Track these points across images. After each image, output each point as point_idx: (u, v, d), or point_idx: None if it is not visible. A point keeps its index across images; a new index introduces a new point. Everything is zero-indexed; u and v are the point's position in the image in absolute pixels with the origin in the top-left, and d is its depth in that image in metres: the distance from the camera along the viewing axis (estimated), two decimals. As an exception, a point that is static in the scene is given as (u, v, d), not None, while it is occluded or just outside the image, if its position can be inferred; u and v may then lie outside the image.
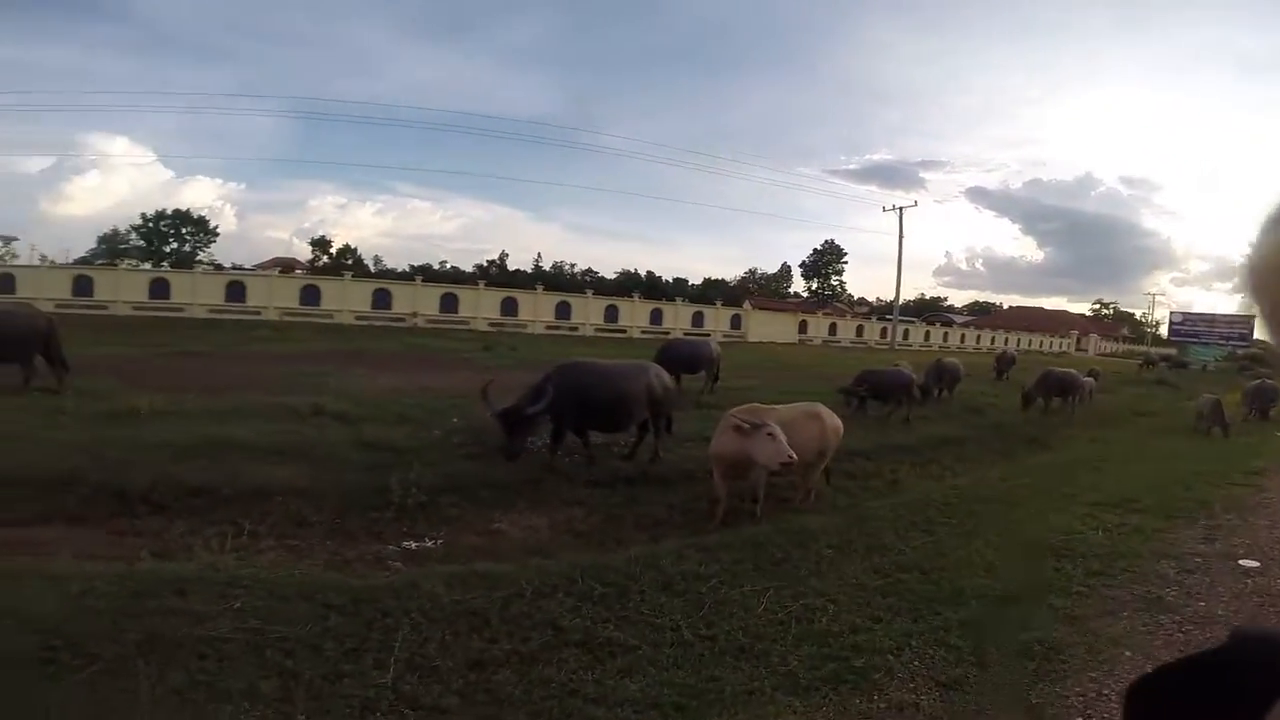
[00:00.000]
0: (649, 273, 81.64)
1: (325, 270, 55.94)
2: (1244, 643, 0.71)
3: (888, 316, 72.13)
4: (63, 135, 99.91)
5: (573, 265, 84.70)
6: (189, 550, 5.00)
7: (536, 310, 34.10)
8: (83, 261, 43.27)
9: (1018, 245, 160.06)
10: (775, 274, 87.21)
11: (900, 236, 41.86)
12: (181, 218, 59.03)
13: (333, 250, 70.80)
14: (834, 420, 6.98)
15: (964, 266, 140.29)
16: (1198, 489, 8.23)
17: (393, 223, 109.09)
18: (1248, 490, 8.21)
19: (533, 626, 3.81)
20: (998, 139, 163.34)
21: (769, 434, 5.57)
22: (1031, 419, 14.89)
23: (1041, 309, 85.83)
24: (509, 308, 34.10)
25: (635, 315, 36.20)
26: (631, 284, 71.09)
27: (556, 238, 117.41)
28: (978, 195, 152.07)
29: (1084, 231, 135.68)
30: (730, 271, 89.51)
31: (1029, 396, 15.24)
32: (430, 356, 20.08)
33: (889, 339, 43.17)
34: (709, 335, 37.15)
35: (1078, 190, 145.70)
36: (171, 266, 40.30)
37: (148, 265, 44.91)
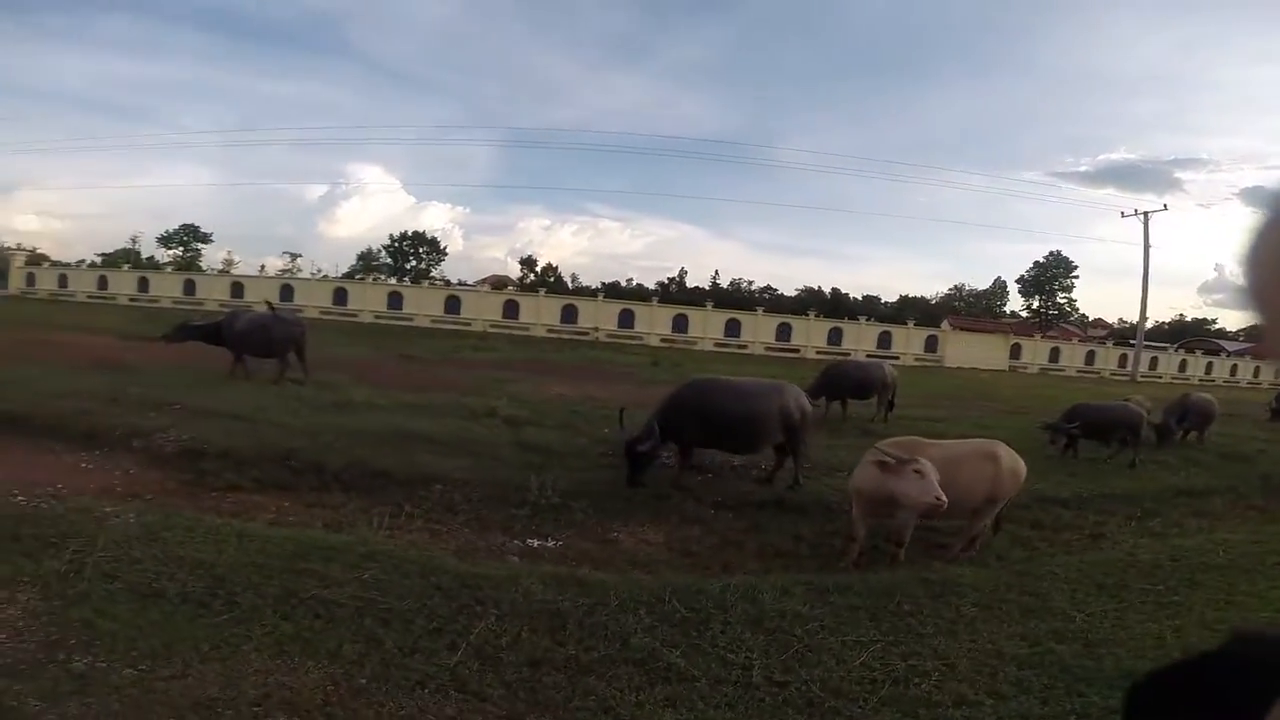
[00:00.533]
0: (834, 290, 78.56)
1: (531, 287, 62.44)
2: (1244, 643, 0.71)
3: (1131, 341, 61.21)
4: (333, 165, 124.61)
5: (750, 282, 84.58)
6: (353, 524, 5.68)
7: (705, 327, 34.40)
8: (347, 276, 52.81)
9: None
10: (987, 290, 78.40)
11: (1146, 246, 35.09)
12: (418, 239, 68.95)
13: (538, 269, 78.72)
14: (1014, 462, 5.91)
15: (1241, 281, 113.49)
16: None
17: (588, 242, 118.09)
18: None
19: (603, 637, 3.79)
20: (1276, 130, 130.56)
21: (916, 470, 4.98)
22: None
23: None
24: (680, 324, 34.83)
25: (811, 334, 34.85)
26: (812, 301, 68.83)
27: (737, 255, 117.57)
28: (1256, 196, 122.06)
29: None
30: (933, 289, 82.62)
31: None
32: (603, 368, 21.35)
33: (1129, 368, 36.19)
34: (897, 357, 34.45)
35: None
36: (411, 282, 47.51)
37: (393, 280, 53.62)
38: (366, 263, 67.97)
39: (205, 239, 63.28)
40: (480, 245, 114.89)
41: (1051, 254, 64.23)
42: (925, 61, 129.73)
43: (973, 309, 76.17)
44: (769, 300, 69.99)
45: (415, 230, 69.74)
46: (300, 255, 68.73)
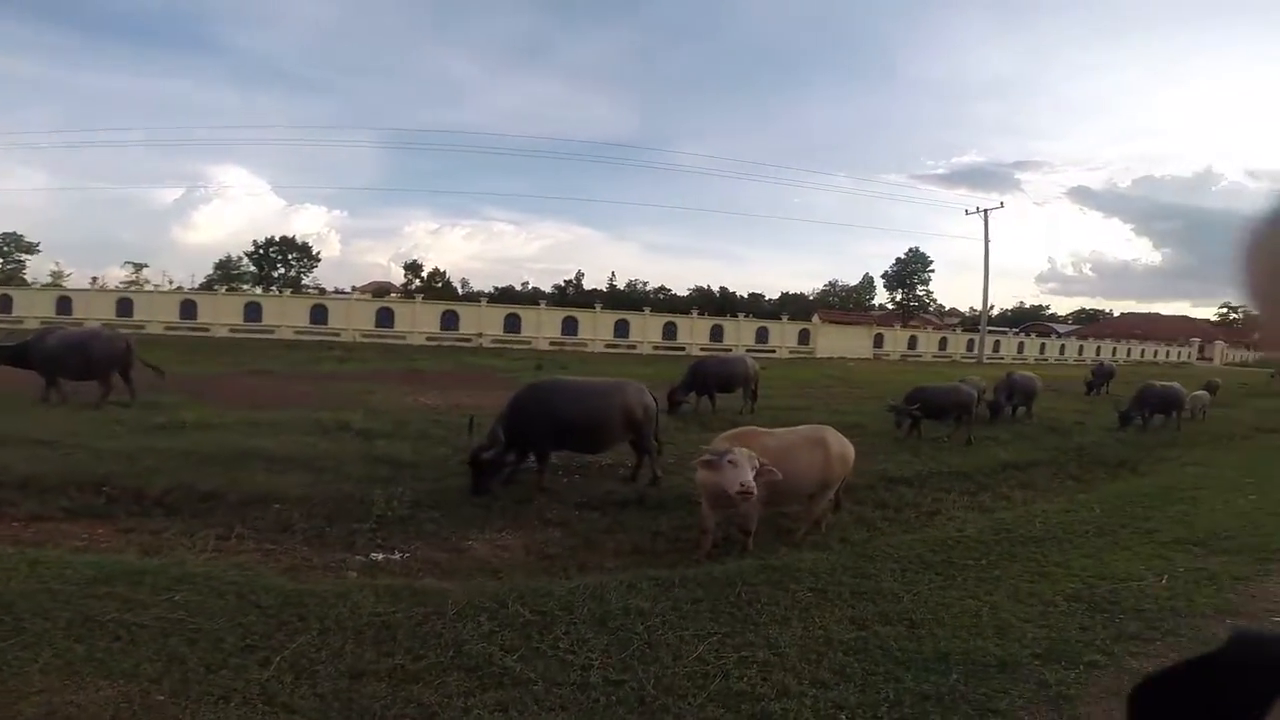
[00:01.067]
0: (722, 289, 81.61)
1: (416, 293, 59.81)
2: (1244, 644, 0.71)
3: (979, 327, 68.04)
4: (190, 167, 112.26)
5: (645, 284, 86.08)
6: (172, 548, 5.28)
7: (595, 329, 34.28)
8: (204, 287, 47.90)
9: (1131, 247, 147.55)
10: (857, 286, 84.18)
11: (986, 240, 39.11)
12: (287, 244, 63.89)
13: (424, 274, 75.44)
14: (842, 447, 6.16)
15: (1070, 272, 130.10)
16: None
17: (480, 245, 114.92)
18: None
19: (435, 646, 3.67)
20: (1102, 135, 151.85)
21: (730, 461, 5.05)
22: (1125, 440, 13.12)
23: (1158, 315, 77.94)
24: (569, 327, 34.48)
25: (695, 332, 35.66)
26: (704, 301, 71.04)
27: (635, 257, 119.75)
28: (1082, 195, 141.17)
29: (1206, 229, 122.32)
30: (810, 285, 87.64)
31: (1126, 415, 13.48)
32: (483, 375, 20.59)
33: (976, 352, 40.11)
34: (773, 350, 36.00)
35: (1197, 185, 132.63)
36: (279, 291, 43.91)
37: (258, 289, 49.22)
38: (226, 271, 62.32)
39: (30, 249, 56.01)
40: (360, 250, 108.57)
41: (910, 251, 69.92)
42: (804, 70, 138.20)
43: (845, 303, 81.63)
44: (663, 301, 71.70)
45: (283, 235, 64.71)
46: (146, 265, 61.57)
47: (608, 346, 33.78)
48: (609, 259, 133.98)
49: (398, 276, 71.01)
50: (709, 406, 13.79)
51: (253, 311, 33.40)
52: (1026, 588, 5.08)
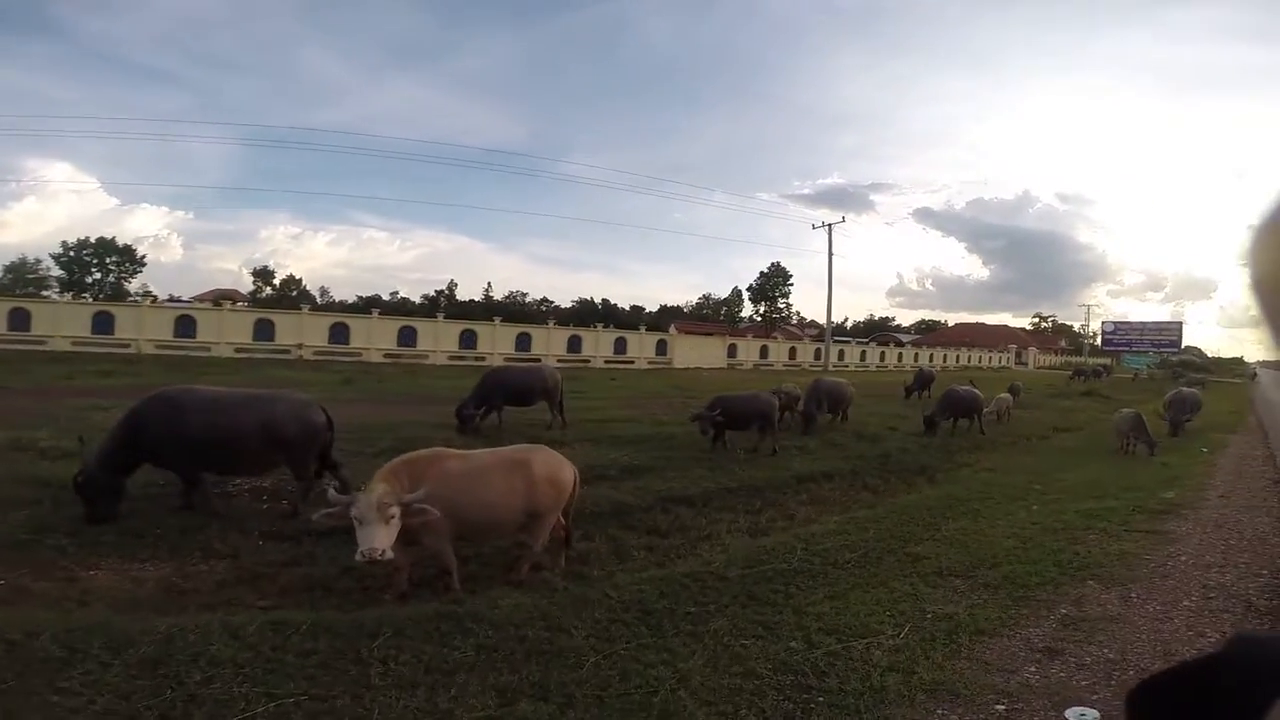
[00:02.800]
0: (604, 300, 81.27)
1: (269, 302, 53.92)
2: (1245, 645, 0.72)
3: (838, 338, 71.88)
4: (3, 160, 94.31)
5: (524, 295, 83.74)
6: None
7: (437, 340, 31.53)
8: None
9: (964, 264, 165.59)
10: (727, 299, 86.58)
11: (830, 254, 40.77)
12: (106, 246, 56.68)
13: (276, 281, 68.88)
14: (551, 469, 5.08)
15: (915, 287, 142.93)
16: (1085, 542, 6.15)
17: (348, 253, 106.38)
18: (1147, 543, 6.08)
19: None
20: (942, 160, 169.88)
21: (356, 518, 4.06)
22: (930, 446, 12.91)
23: (983, 324, 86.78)
24: (408, 338, 31.44)
25: (551, 343, 33.90)
26: (587, 313, 70.12)
27: (519, 269, 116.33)
28: (924, 216, 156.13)
29: (1025, 247, 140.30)
30: (689, 298, 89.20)
31: (931, 420, 13.31)
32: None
33: (822, 360, 41.60)
34: (633, 361, 35.01)
35: (1018, 207, 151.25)
36: (95, 297, 36.91)
37: (67, 296, 41.56)
38: (19, 275, 52.59)
39: None
40: (207, 255, 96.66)
41: (772, 265, 72.50)
42: (690, 90, 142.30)
43: (716, 315, 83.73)
44: (542, 313, 69.78)
45: (100, 236, 56.60)
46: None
47: (452, 359, 31.13)
48: (492, 270, 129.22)
49: (249, 284, 64.09)
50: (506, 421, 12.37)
51: (19, 319, 27.53)
52: (737, 649, 3.97)
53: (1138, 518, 6.92)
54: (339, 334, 30.87)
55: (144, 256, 59.35)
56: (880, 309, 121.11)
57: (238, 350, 28.89)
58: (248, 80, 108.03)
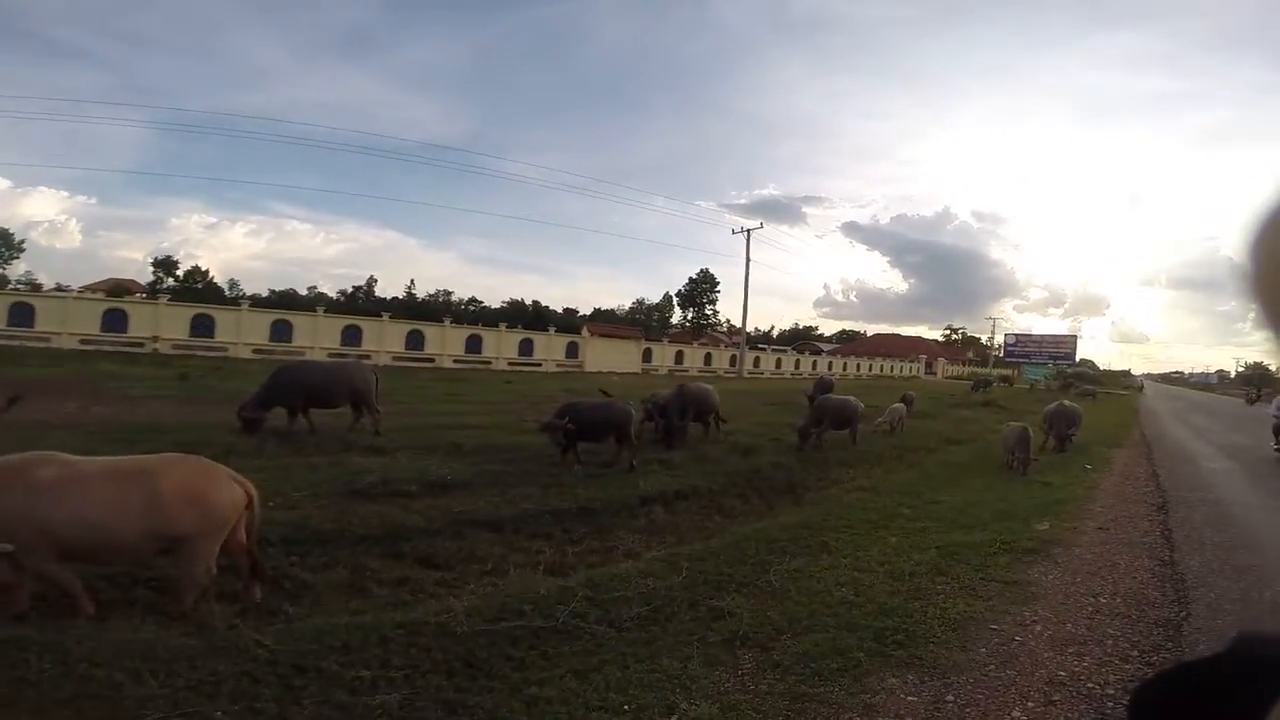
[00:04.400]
0: (535, 302, 79.13)
1: (177, 294, 49.78)
2: (1248, 644, 0.71)
3: (760, 345, 72.12)
4: None
5: (447, 293, 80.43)
6: None
7: (316, 336, 28.58)
8: None
9: (886, 277, 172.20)
10: (659, 304, 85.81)
11: (747, 259, 40.14)
12: None
13: (179, 272, 64.60)
14: (189, 485, 4.16)
15: (840, 298, 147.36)
16: (927, 596, 4.84)
17: (266, 244, 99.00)
18: (1000, 601, 4.78)
19: None
20: (871, 175, 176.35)
21: None
22: (808, 459, 11.73)
23: (899, 335, 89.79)
24: (281, 332, 28.35)
25: (446, 342, 31.47)
26: (517, 314, 67.94)
27: (453, 267, 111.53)
28: (852, 229, 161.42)
29: (942, 262, 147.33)
30: (624, 303, 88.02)
31: (804, 431, 12.13)
32: (98, 386, 16.14)
33: (737, 367, 40.90)
34: (539, 364, 33.06)
35: (937, 224, 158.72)
36: None
37: None
38: None
39: None
40: (110, 243, 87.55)
41: (700, 272, 72.20)
42: (634, 95, 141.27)
43: (649, 320, 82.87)
44: (470, 313, 67.11)
45: None
46: None
47: (332, 355, 28.24)
48: (424, 268, 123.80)
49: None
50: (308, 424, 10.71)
51: None
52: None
53: (1000, 559, 5.72)
54: (203, 326, 27.52)
55: (22, 242, 55.27)
56: (807, 319, 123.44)
57: (82, 341, 25.32)
58: (165, 59, 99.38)
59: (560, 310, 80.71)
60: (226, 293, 61.81)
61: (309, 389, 10.68)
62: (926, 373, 67.75)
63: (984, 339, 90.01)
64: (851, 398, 13.46)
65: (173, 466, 4.24)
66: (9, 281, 51.45)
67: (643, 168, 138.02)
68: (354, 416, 11.23)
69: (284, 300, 57.87)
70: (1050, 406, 14.86)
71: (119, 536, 3.94)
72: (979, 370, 65.46)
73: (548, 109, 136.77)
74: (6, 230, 54.61)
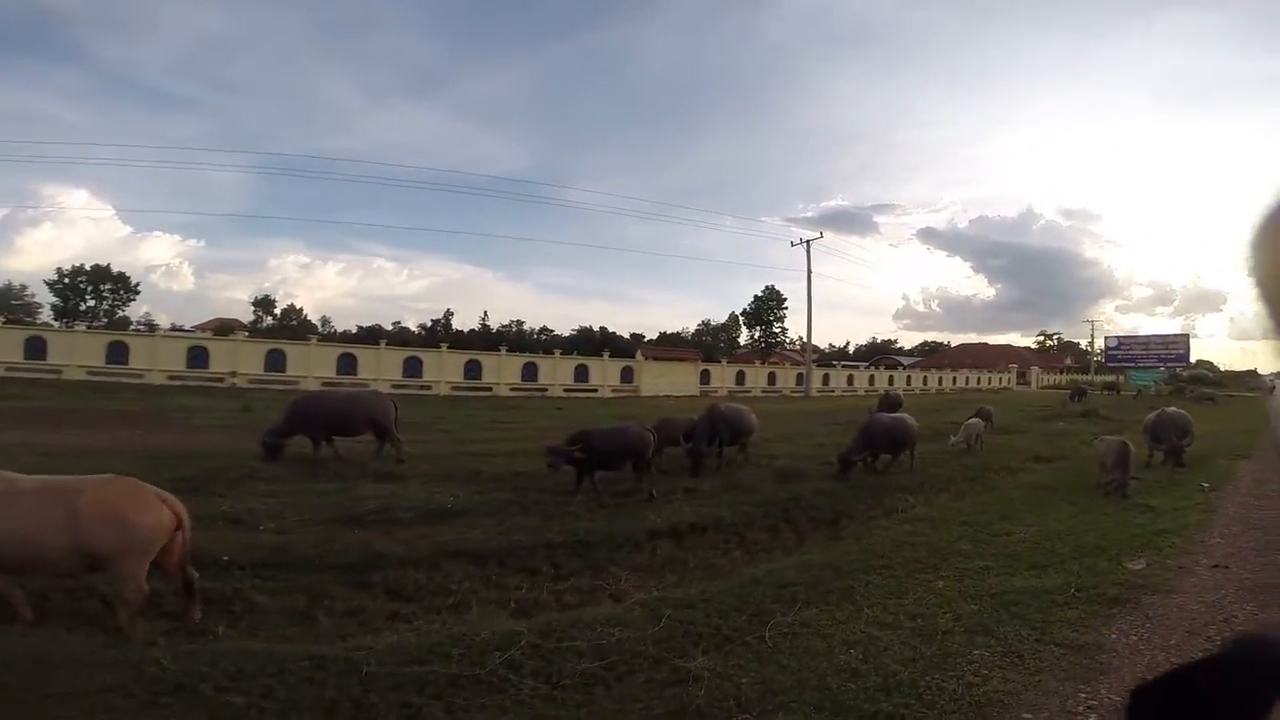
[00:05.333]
0: (602, 328, 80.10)
1: (270, 332, 54.11)
2: (1247, 645, 0.73)
3: (833, 362, 69.16)
4: (17, 184, 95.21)
5: (519, 323, 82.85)
6: None
7: (380, 368, 29.36)
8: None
9: (970, 283, 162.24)
10: (725, 324, 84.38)
11: (809, 270, 38.47)
12: (100, 274, 56.70)
13: (276, 311, 68.85)
14: (112, 506, 4.26)
15: (921, 308, 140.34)
16: (954, 669, 3.69)
17: (356, 283, 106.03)
18: (1053, 677, 3.58)
19: None
20: (944, 179, 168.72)
21: None
22: (860, 485, 10.43)
23: (986, 345, 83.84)
24: (347, 365, 29.34)
25: (503, 371, 31.61)
26: (586, 341, 69.00)
27: (527, 298, 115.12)
28: (929, 236, 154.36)
29: (1030, 265, 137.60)
30: (691, 325, 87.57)
31: (846, 459, 10.74)
32: (163, 416, 17.29)
33: (805, 385, 38.99)
34: (595, 389, 32.76)
35: (1021, 225, 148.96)
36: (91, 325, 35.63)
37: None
38: (4, 300, 52.42)
39: None
40: (218, 284, 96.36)
41: (767, 289, 70.10)
42: (693, 114, 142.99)
43: (716, 341, 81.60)
44: (541, 341, 69.16)
45: (95, 264, 56.93)
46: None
47: (395, 386, 28.94)
48: (501, 299, 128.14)
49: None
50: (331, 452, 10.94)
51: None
52: None
53: (1070, 613, 4.43)
54: (276, 361, 28.97)
55: (138, 284, 59.41)
56: (887, 332, 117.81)
57: (170, 377, 27.24)
58: (261, 106, 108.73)
59: (628, 335, 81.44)
60: (320, 329, 65.95)
61: (326, 418, 10.83)
62: (1019, 383, 62.61)
63: (1083, 344, 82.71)
64: (906, 416, 11.97)
65: (99, 487, 4.40)
66: (130, 322, 56.63)
67: (705, 187, 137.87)
68: (377, 445, 11.22)
69: (370, 335, 61.68)
70: (1151, 415, 12.73)
71: (43, 550, 4.16)
72: (1078, 378, 59.81)
73: (608, 134, 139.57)
74: (124, 274, 58.45)
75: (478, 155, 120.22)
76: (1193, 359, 61.14)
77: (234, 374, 28.22)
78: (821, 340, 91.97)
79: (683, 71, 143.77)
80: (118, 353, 28.11)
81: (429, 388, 29.63)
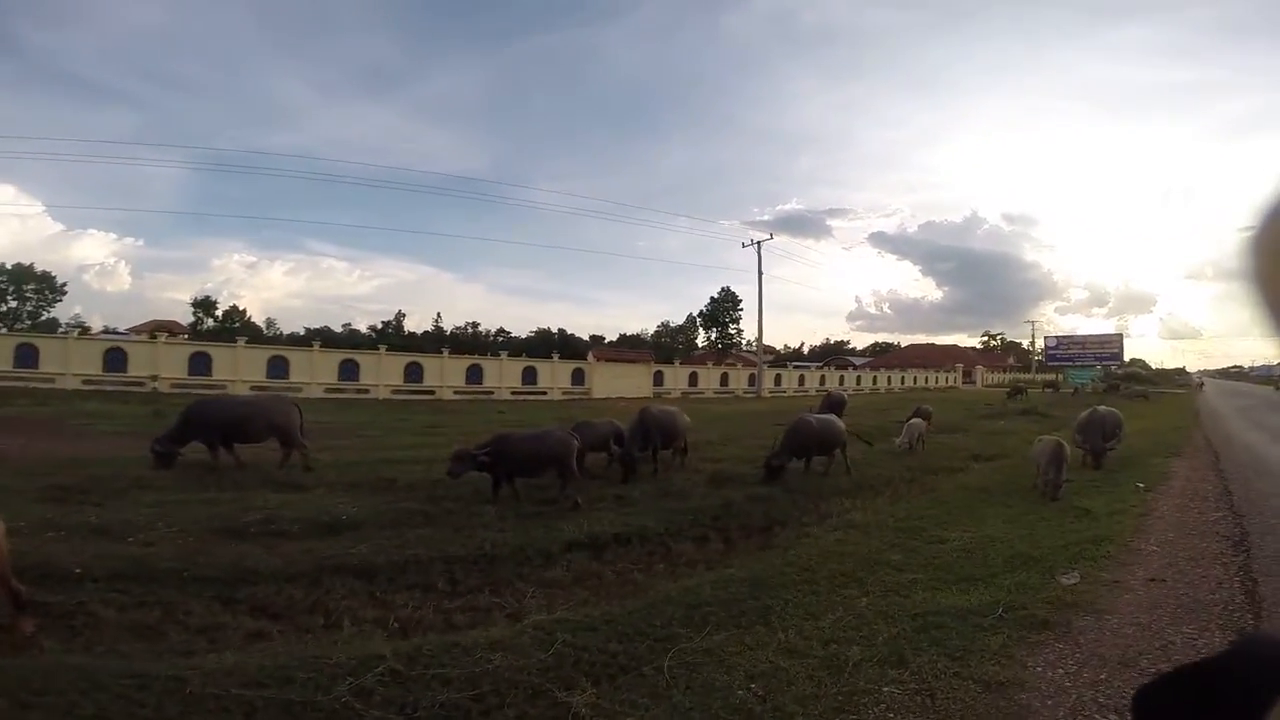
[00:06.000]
0: (560, 330, 79.02)
1: (209, 335, 51.32)
2: (1249, 646, 0.77)
3: (787, 363, 69.66)
4: None
5: (474, 325, 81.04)
6: None
7: (313, 371, 27.89)
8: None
9: (919, 286, 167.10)
10: (683, 325, 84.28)
11: (759, 272, 38.41)
12: (23, 274, 53.54)
13: (218, 312, 65.15)
14: None
15: (873, 310, 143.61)
16: (867, 703, 3.20)
17: (305, 283, 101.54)
18: (974, 711, 3.13)
19: None
20: (895, 184, 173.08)
21: None
22: (798, 489, 9.99)
23: (934, 345, 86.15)
24: (279, 369, 27.75)
25: (446, 374, 30.42)
26: (542, 343, 67.85)
27: (484, 299, 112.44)
28: (880, 240, 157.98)
29: (975, 268, 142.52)
30: (650, 326, 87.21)
31: (772, 464, 10.29)
32: (59, 423, 16.09)
33: (756, 386, 38.91)
34: (545, 392, 31.92)
35: (967, 229, 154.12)
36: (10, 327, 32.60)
37: None
38: None
39: None
40: (158, 284, 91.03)
41: (723, 290, 70.17)
42: (653, 117, 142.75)
43: (674, 343, 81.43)
44: (499, 344, 67.56)
45: (17, 263, 53.92)
46: None
47: (329, 390, 27.54)
48: (458, 301, 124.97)
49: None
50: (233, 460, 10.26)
51: None
52: None
53: (994, 638, 3.98)
54: (200, 364, 27.17)
55: (64, 285, 56.53)
56: (841, 333, 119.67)
57: (84, 381, 25.37)
58: (204, 101, 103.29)
59: (586, 337, 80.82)
60: (265, 331, 63.18)
61: (222, 424, 10.09)
62: (965, 382, 64.30)
63: (1025, 344, 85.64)
64: (832, 417, 11.55)
65: None
66: (59, 324, 53.17)
67: (665, 189, 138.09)
68: (283, 453, 10.43)
69: (318, 337, 59.08)
70: (1082, 414, 12.69)
71: None
72: (1020, 377, 61.71)
73: (567, 135, 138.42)
74: (49, 274, 55.50)
75: (435, 154, 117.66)
76: (1126, 358, 63.83)
77: (155, 378, 26.38)
78: (777, 341, 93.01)
79: (643, 74, 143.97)
80: (26, 356, 25.89)
81: (367, 391, 28.30)
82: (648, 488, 9.79)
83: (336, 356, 29.24)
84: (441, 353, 31.72)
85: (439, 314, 80.00)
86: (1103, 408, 12.80)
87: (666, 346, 78.85)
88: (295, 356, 28.38)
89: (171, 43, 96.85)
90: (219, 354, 27.73)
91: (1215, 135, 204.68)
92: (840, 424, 11.30)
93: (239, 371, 27.15)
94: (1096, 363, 54.69)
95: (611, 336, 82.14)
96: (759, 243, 38.38)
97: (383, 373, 28.88)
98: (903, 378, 58.75)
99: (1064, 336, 61.43)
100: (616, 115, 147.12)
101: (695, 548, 7.35)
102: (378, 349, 31.06)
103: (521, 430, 9.39)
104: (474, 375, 31.19)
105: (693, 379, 38.70)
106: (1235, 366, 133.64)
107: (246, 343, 29.39)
